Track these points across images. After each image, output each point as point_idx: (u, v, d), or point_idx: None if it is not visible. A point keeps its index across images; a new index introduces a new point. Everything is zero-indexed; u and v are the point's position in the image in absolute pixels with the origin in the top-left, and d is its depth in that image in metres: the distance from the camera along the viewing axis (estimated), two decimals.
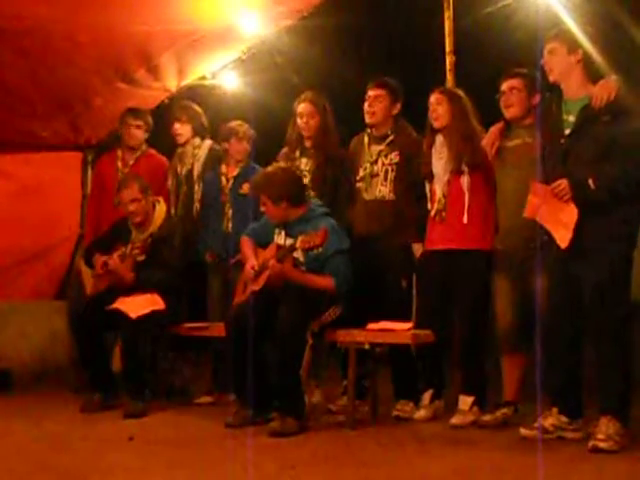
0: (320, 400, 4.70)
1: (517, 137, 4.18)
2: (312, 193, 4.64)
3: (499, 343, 4.22)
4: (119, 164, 5.66)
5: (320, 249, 4.20)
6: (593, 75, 3.72)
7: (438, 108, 4.39)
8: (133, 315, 4.72)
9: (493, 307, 4.24)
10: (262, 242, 4.56)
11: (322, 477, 3.28)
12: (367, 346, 4.19)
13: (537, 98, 4.13)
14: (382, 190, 4.59)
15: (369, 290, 4.46)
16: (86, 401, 4.83)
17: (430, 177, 4.43)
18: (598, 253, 3.61)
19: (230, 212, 5.14)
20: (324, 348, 4.54)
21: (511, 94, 4.18)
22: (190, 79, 5.97)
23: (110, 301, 4.85)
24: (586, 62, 3.72)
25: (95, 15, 4.66)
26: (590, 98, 3.66)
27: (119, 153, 5.70)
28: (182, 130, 5.40)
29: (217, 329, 4.63)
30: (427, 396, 4.39)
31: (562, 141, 3.72)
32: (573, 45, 3.72)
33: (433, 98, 4.42)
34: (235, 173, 5.20)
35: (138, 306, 4.78)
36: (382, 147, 4.64)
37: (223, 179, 5.22)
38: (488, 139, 4.23)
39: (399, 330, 4.16)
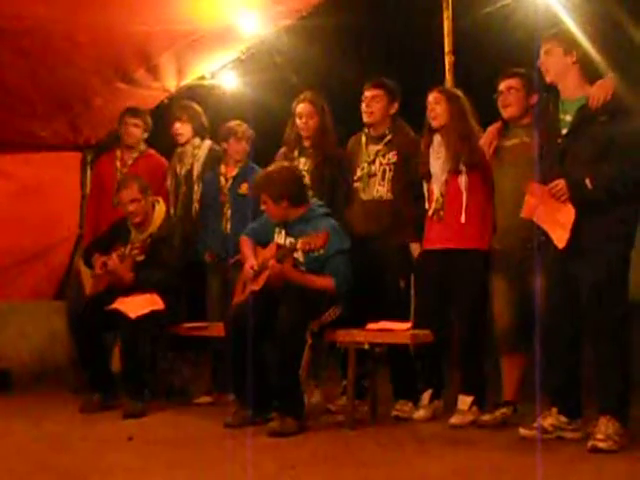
0: (320, 400, 4.70)
1: (515, 137, 4.19)
2: (311, 193, 4.63)
3: (498, 343, 4.22)
4: (118, 164, 5.66)
5: (321, 251, 4.20)
6: (590, 75, 3.73)
7: (436, 107, 4.39)
8: (132, 315, 4.72)
9: (491, 307, 4.24)
10: (262, 241, 4.56)
11: (322, 477, 3.28)
12: (366, 346, 4.19)
13: (535, 98, 4.14)
14: (380, 190, 4.60)
15: (367, 290, 4.46)
16: (85, 401, 4.83)
17: (428, 177, 4.43)
18: (595, 253, 3.61)
19: (229, 212, 5.14)
20: (323, 348, 4.54)
21: (509, 94, 4.18)
22: (189, 79, 5.97)
23: (109, 301, 4.85)
24: (583, 63, 3.73)
25: (94, 15, 4.66)
26: (587, 98, 3.66)
27: (118, 153, 5.70)
28: (183, 130, 5.40)
29: (216, 329, 4.63)
30: (426, 396, 4.39)
31: (559, 141, 3.73)
32: (569, 46, 3.73)
33: (431, 97, 4.43)
34: (234, 173, 5.20)
35: (137, 306, 4.78)
36: (380, 147, 4.64)
37: (222, 179, 5.22)
38: (486, 139, 4.24)
39: (398, 330, 4.16)
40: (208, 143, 5.45)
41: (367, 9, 7.31)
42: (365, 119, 4.66)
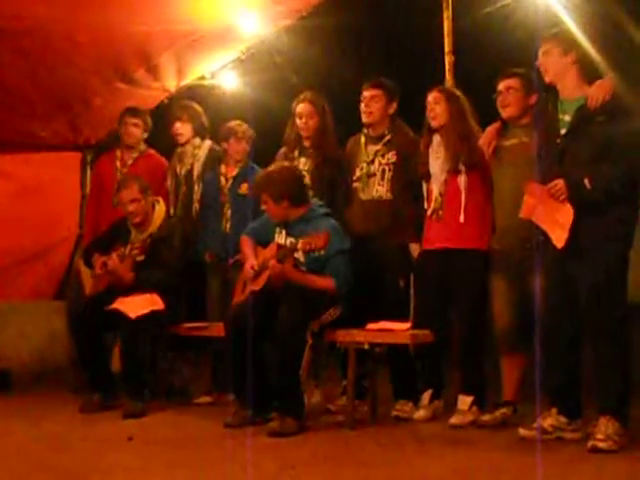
0: (320, 400, 4.70)
1: (514, 137, 4.19)
2: (311, 193, 4.63)
3: (497, 343, 4.22)
4: (118, 164, 5.66)
5: (322, 252, 4.20)
6: (589, 75, 3.73)
7: (436, 107, 4.40)
8: (132, 315, 4.72)
9: (491, 307, 4.24)
10: (262, 241, 4.56)
11: (321, 477, 3.28)
12: (366, 346, 4.19)
13: (534, 98, 4.14)
14: (379, 190, 4.60)
15: (367, 290, 4.46)
16: (85, 401, 4.83)
17: (427, 177, 4.44)
18: (594, 253, 3.61)
19: (229, 212, 5.14)
20: (324, 348, 4.54)
21: (508, 94, 4.19)
22: (189, 79, 5.97)
23: (109, 301, 4.85)
24: (581, 63, 3.73)
25: (94, 15, 4.66)
26: (586, 98, 3.66)
27: (118, 153, 5.70)
28: (183, 129, 5.40)
29: (216, 329, 4.63)
30: (426, 396, 4.39)
31: (558, 141, 3.73)
32: (568, 46, 3.73)
33: (431, 97, 4.43)
34: (234, 173, 5.20)
35: (137, 306, 4.78)
36: (379, 147, 4.64)
37: (222, 179, 5.22)
38: (485, 138, 4.24)
39: (398, 330, 4.16)
40: (208, 143, 5.45)
41: (367, 9, 7.32)
42: (364, 119, 4.66)
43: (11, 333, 6.41)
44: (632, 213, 3.68)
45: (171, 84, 5.93)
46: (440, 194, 4.36)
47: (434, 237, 4.38)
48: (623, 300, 3.64)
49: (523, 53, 4.21)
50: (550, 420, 3.72)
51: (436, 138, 4.42)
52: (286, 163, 4.70)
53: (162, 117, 5.77)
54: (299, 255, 4.30)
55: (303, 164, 4.82)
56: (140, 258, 4.92)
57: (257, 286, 4.35)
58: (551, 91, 3.83)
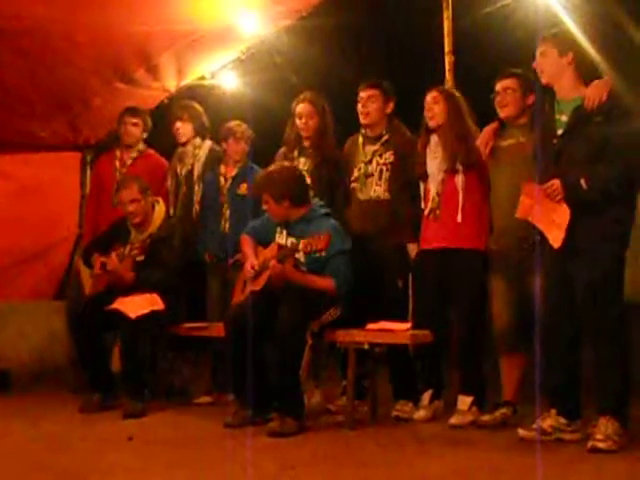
0: (320, 400, 4.69)
1: (511, 137, 4.19)
2: (312, 193, 4.63)
3: (496, 343, 4.22)
4: (117, 164, 5.66)
5: (323, 253, 4.20)
6: (586, 76, 3.73)
7: (434, 107, 4.40)
8: (132, 315, 4.72)
9: (490, 307, 4.24)
10: (262, 241, 4.56)
11: (321, 477, 3.28)
12: (366, 346, 4.19)
13: (532, 98, 4.15)
14: (377, 190, 4.60)
15: (366, 290, 4.46)
16: (85, 401, 4.83)
17: (424, 177, 4.44)
18: (591, 253, 3.61)
19: (228, 212, 5.14)
20: (323, 348, 4.54)
21: (506, 94, 4.19)
22: (189, 79, 5.97)
23: (109, 301, 4.85)
24: (578, 64, 3.73)
25: (94, 15, 4.66)
26: (583, 99, 3.66)
27: (118, 153, 5.70)
28: (183, 129, 5.39)
29: (216, 329, 4.63)
30: (426, 396, 4.39)
31: (554, 141, 3.73)
32: (564, 47, 3.73)
33: (430, 97, 4.43)
34: (233, 173, 5.20)
35: (137, 306, 4.78)
36: (376, 147, 4.64)
37: (222, 179, 5.22)
38: (482, 139, 4.24)
39: (398, 330, 4.16)
40: (209, 143, 5.44)
41: (367, 9, 7.31)
42: (362, 120, 4.66)
43: (11, 333, 6.41)
44: (628, 213, 3.68)
45: (171, 84, 5.93)
46: (437, 194, 4.36)
47: (431, 237, 4.38)
48: (620, 299, 3.64)
49: (523, 53, 4.21)
50: (549, 421, 3.71)
51: (434, 138, 4.42)
52: (287, 163, 4.70)
53: (162, 117, 5.77)
54: (299, 255, 4.30)
55: (303, 164, 4.82)
56: (140, 258, 4.92)
57: (257, 286, 4.35)
58: (548, 91, 3.83)
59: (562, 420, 3.71)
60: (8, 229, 6.37)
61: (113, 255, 4.95)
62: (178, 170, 5.43)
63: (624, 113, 3.60)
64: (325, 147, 4.81)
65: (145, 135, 5.70)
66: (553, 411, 3.73)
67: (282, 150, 4.98)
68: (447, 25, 5.04)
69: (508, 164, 4.15)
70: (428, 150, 4.43)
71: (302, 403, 4.17)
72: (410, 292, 4.57)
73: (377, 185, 4.60)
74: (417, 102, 4.50)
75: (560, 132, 3.72)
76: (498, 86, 4.22)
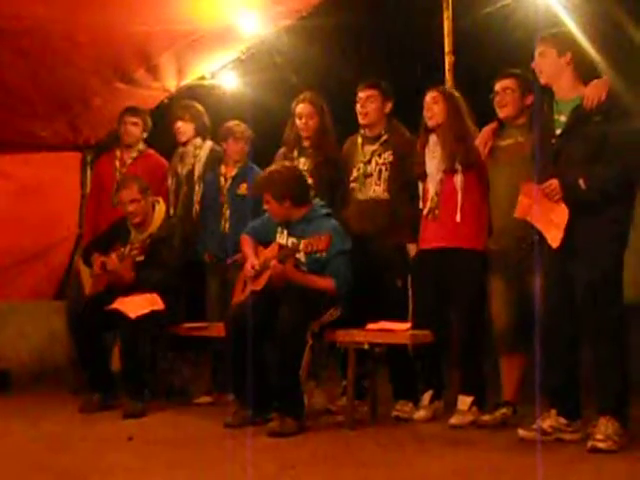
0: (322, 402, 4.67)
1: (510, 137, 4.19)
2: (312, 193, 4.63)
3: (496, 344, 4.21)
4: (117, 163, 5.66)
5: (324, 254, 4.20)
6: (584, 76, 3.73)
7: (434, 107, 4.40)
8: (132, 315, 4.72)
9: (489, 308, 4.24)
10: (262, 241, 4.56)
11: (321, 477, 3.28)
12: (366, 346, 4.18)
13: (530, 98, 4.15)
14: (376, 190, 4.60)
15: (365, 290, 4.46)
16: (85, 401, 4.83)
17: (423, 177, 4.45)
18: (589, 253, 3.61)
19: (227, 212, 5.14)
20: (324, 348, 4.54)
21: (505, 94, 4.19)
22: (189, 79, 5.97)
23: (109, 301, 4.84)
24: (576, 64, 3.73)
25: (94, 15, 4.66)
26: (581, 99, 3.66)
27: (118, 153, 5.70)
28: (184, 128, 5.39)
29: (216, 329, 4.63)
30: (427, 397, 4.39)
31: (553, 141, 3.73)
32: (563, 47, 3.73)
33: (429, 97, 4.43)
34: (233, 173, 5.20)
35: (137, 306, 4.78)
36: (375, 147, 4.64)
37: (222, 179, 5.22)
38: (481, 139, 4.24)
39: (398, 330, 4.15)
40: (209, 144, 5.44)
41: (367, 9, 7.31)
42: (360, 120, 4.66)
43: (11, 333, 6.42)
44: (627, 213, 3.68)
45: (171, 84, 5.93)
46: (436, 193, 4.36)
47: (430, 237, 4.38)
48: (619, 300, 3.64)
49: (523, 53, 4.21)
50: (549, 421, 3.71)
51: (432, 138, 4.42)
52: (288, 163, 4.70)
53: (162, 117, 5.77)
54: (300, 255, 4.30)
55: (302, 164, 4.82)
56: (140, 258, 4.91)
57: (258, 286, 4.35)
58: (547, 91, 3.83)
59: (562, 420, 3.71)
60: (8, 229, 6.37)
61: (113, 255, 4.95)
62: (179, 170, 5.43)
63: (623, 113, 3.60)
64: (325, 147, 4.81)
65: (145, 135, 5.70)
66: (553, 411, 3.73)
67: (282, 150, 4.98)
68: (447, 25, 5.04)
69: (507, 164, 4.15)
70: (427, 150, 4.43)
71: (302, 403, 4.17)
72: (410, 292, 4.58)
73: (376, 185, 4.60)
74: (417, 102, 4.50)
75: (559, 132, 3.72)
76: (497, 86, 4.22)
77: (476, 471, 3.31)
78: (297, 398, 4.13)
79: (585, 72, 3.74)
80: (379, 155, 4.62)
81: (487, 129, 4.26)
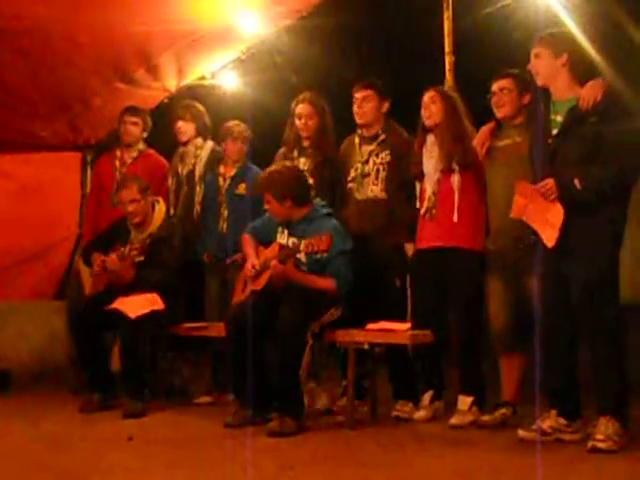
0: (326, 403, 4.66)
1: (507, 137, 4.19)
2: (313, 193, 4.63)
3: (494, 344, 4.22)
4: (117, 163, 5.66)
5: (325, 254, 4.20)
6: (581, 76, 3.73)
7: (432, 106, 4.40)
8: (132, 315, 4.72)
9: (487, 308, 4.23)
10: (263, 240, 4.56)
11: (321, 477, 3.28)
12: (366, 346, 4.18)
13: (527, 98, 4.15)
14: (374, 190, 4.60)
15: (365, 290, 4.46)
16: (85, 401, 4.83)
17: (420, 177, 4.45)
18: (585, 253, 3.61)
19: (226, 212, 5.14)
20: (324, 348, 4.54)
21: (502, 94, 4.19)
22: (189, 79, 5.97)
23: (109, 301, 4.84)
24: (573, 64, 3.73)
25: (94, 15, 4.66)
26: (578, 99, 3.66)
27: (118, 153, 5.70)
28: (185, 128, 5.39)
29: (216, 329, 4.63)
30: (427, 397, 4.39)
31: (549, 141, 3.73)
32: (559, 49, 3.73)
33: (427, 97, 4.44)
34: (232, 173, 5.20)
35: (137, 306, 4.78)
36: (373, 147, 4.64)
37: (220, 179, 5.22)
38: (478, 139, 4.24)
39: (398, 330, 4.15)
40: (210, 144, 5.44)
41: (367, 9, 7.31)
42: (357, 120, 4.67)
43: (11, 333, 6.42)
44: (622, 213, 3.67)
45: (171, 84, 5.93)
46: (433, 193, 4.37)
47: (427, 236, 4.38)
48: (616, 300, 3.64)
49: (523, 53, 4.21)
50: (549, 422, 3.71)
51: (430, 138, 4.43)
52: (288, 163, 4.70)
53: (162, 117, 5.77)
54: (300, 255, 4.30)
55: (302, 164, 4.82)
56: (139, 259, 4.91)
57: (258, 286, 4.35)
58: (544, 92, 3.83)
59: (562, 421, 3.71)
60: (8, 229, 6.37)
61: (113, 255, 4.95)
62: (179, 170, 5.43)
63: (619, 113, 3.59)
64: (325, 147, 4.81)
65: (145, 135, 5.70)
66: (553, 412, 3.72)
67: (282, 150, 4.98)
68: (447, 25, 5.05)
69: (504, 164, 4.15)
70: (424, 150, 4.44)
71: (302, 403, 4.17)
72: (408, 292, 4.58)
73: (374, 185, 4.60)
74: (417, 102, 4.50)
75: (555, 132, 3.73)
76: (494, 86, 4.23)
77: (476, 471, 3.31)
78: (297, 398, 4.13)
79: (582, 73, 3.74)
80: (376, 155, 4.62)
81: (484, 129, 4.26)
